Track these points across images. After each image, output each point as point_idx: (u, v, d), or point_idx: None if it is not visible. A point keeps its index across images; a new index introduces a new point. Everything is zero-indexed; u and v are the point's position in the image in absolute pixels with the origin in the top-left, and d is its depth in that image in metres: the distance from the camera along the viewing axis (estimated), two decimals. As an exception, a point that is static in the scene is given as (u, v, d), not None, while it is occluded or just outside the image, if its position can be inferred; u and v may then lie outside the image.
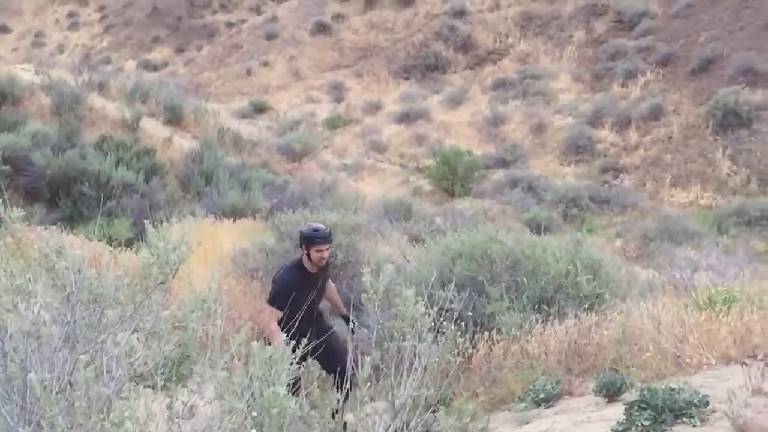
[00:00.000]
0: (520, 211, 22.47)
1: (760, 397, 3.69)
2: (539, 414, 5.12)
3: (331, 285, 5.71)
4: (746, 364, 3.84)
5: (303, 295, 4.96)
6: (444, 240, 8.83)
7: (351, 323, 5.19)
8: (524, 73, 36.71)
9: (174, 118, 21.26)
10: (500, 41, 40.52)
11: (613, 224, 23.59)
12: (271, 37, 44.40)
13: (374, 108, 36.54)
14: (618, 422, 3.97)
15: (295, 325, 4.50)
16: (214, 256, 10.17)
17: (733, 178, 26.01)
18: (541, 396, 5.43)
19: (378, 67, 40.61)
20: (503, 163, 29.70)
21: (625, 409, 3.99)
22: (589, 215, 24.11)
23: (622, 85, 33.38)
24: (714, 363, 5.07)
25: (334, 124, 34.94)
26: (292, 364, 3.87)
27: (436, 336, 6.59)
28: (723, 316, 5.97)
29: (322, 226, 5.36)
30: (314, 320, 5.20)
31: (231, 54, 44.83)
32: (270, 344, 4.69)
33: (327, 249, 5.18)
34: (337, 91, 39.03)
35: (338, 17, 44.15)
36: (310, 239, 5.14)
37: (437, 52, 40.19)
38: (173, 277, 3.03)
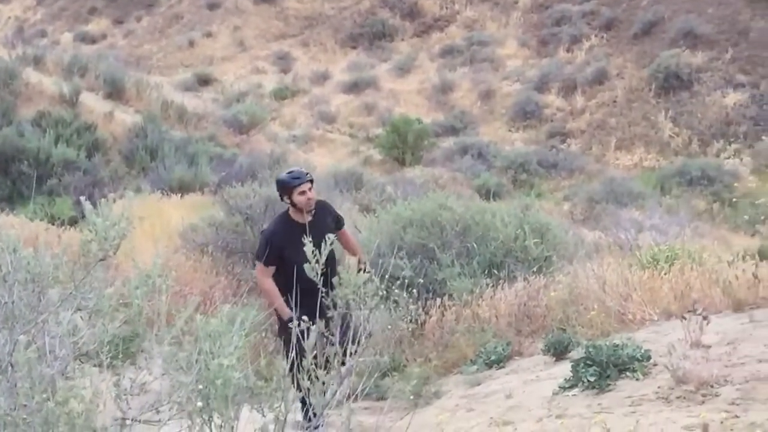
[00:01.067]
0: (470, 177, 22.67)
1: (698, 349, 3.83)
2: (490, 375, 5.23)
3: (348, 234, 5.04)
4: (685, 319, 3.98)
5: (296, 252, 3.99)
6: (395, 208, 8.86)
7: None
8: (471, 39, 36.73)
9: (114, 92, 20.65)
10: (446, 8, 40.36)
11: (561, 188, 24.01)
12: (213, 6, 43.24)
13: (322, 78, 36.12)
14: (565, 379, 4.08)
15: (296, 294, 4.00)
16: (161, 232, 10.00)
17: (675, 140, 26.68)
18: (492, 358, 5.54)
19: (324, 37, 40.06)
20: (453, 131, 29.83)
21: (572, 367, 4.10)
22: (538, 180, 24.48)
23: (568, 50, 33.73)
24: (656, 319, 5.24)
25: (281, 95, 34.44)
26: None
27: (388, 304, 6.65)
28: (665, 274, 6.17)
29: (296, 168, 4.79)
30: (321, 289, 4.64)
31: (172, 25, 43.53)
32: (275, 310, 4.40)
33: (310, 189, 4.54)
34: (284, 62, 38.40)
35: (282, -15, 43.23)
36: (287, 184, 4.55)
37: (384, 20, 39.82)
38: (115, 254, 2.96)
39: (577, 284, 6.33)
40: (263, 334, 6.95)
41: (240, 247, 9.73)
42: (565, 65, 32.66)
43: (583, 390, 3.94)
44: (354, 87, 34.21)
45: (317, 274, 4.11)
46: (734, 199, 19.09)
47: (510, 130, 30.44)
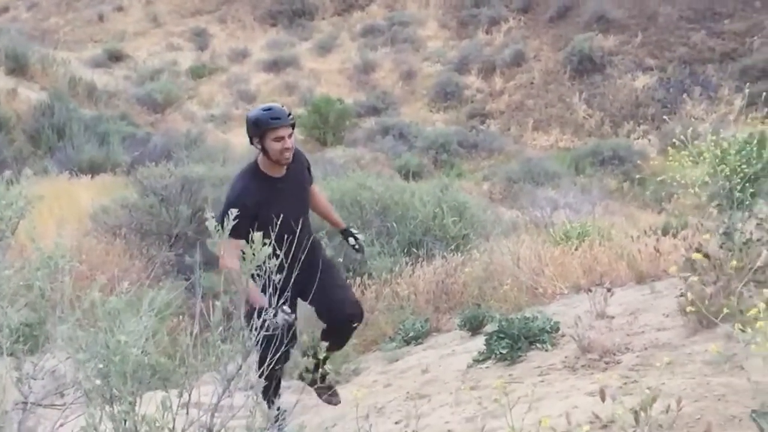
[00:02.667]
0: (391, 158, 22.78)
1: (603, 320, 4.01)
2: (409, 351, 5.31)
3: (316, 192, 4.17)
4: (591, 291, 4.15)
5: (270, 213, 3.39)
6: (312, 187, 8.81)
7: (353, 239, 4.00)
8: (392, 19, 36.72)
9: (18, 67, 19.58)
10: (367, -13, 40.16)
11: (480, 168, 24.45)
12: (124, -21, 41.51)
13: (241, 56, 35.34)
14: (479, 352, 4.19)
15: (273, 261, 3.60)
16: (70, 214, 9.60)
17: (589, 121, 27.58)
18: (411, 334, 5.63)
19: (243, 13, 39.13)
20: (374, 111, 29.84)
21: (485, 340, 4.21)
22: (459, 160, 24.84)
23: (487, 32, 34.21)
24: (566, 292, 5.44)
25: (198, 72, 33.50)
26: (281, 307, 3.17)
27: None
28: (575, 250, 6.41)
29: (275, 104, 3.73)
30: (302, 251, 3.59)
31: (80, -3, 41.55)
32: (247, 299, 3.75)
33: (290, 136, 3.60)
34: (201, 38, 37.30)
35: (198, -41, 41.85)
36: (260, 123, 3.56)
37: (304, -2, 39.28)
38: (12, 234, 2.82)
39: (492, 261, 6.50)
40: (180, 317, 6.83)
41: (155, 228, 9.48)
42: (485, 47, 33.14)
43: (495, 362, 4.06)
44: (274, 66, 33.65)
45: (301, 245, 3.46)
46: (642, 178, 19.94)
47: (431, 111, 30.72)
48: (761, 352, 1.77)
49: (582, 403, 2.96)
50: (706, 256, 3.70)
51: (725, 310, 2.29)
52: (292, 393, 5.08)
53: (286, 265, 3.26)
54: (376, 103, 30.36)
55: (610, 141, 24.80)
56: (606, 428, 2.53)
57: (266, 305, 3.13)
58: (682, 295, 3.58)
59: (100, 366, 1.94)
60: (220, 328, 2.14)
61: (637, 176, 20.20)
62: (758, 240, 3.82)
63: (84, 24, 38.99)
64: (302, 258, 3.41)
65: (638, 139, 25.66)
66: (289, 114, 3.62)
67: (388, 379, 4.60)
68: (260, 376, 3.40)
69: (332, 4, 39.41)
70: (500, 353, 4.05)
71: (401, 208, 8.11)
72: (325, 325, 3.90)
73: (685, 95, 26.56)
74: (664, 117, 24.61)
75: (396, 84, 32.32)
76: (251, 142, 3.66)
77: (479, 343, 4.39)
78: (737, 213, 4.13)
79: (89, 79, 21.56)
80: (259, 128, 3.55)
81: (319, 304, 3.81)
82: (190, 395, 2.05)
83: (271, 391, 3.47)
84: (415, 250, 7.38)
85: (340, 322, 3.84)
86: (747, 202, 4.49)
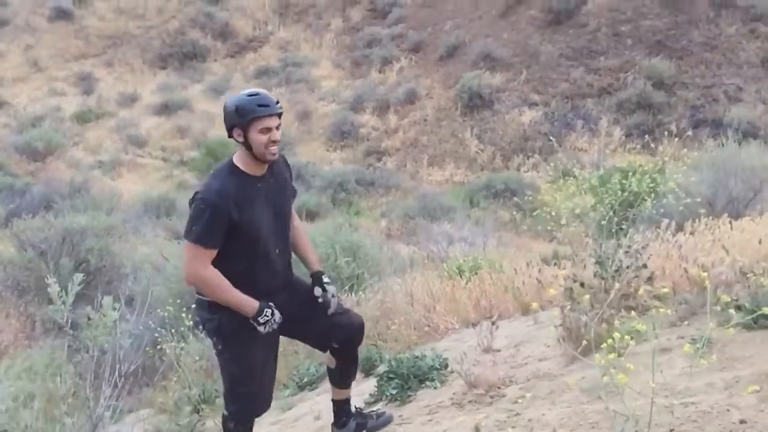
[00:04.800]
0: (290, 198, 22.57)
1: (489, 354, 4.07)
2: (302, 398, 5.19)
3: (295, 215, 3.47)
4: (475, 326, 4.20)
5: (250, 218, 3.06)
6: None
7: (321, 289, 3.34)
8: (286, 60, 36.89)
9: None
10: (259, 29, 40.24)
11: (378, 205, 24.67)
12: (1, 24, 39.66)
13: (130, 100, 34.38)
14: (370, 394, 4.15)
15: (254, 280, 3.09)
16: (-63, 274, 8.91)
17: (481, 155, 28.50)
18: (305, 380, 5.52)
19: (131, 56, 38.18)
20: (270, 152, 29.61)
21: (376, 381, 4.17)
22: (357, 198, 24.99)
23: (380, 71, 34.94)
24: (457, 327, 5.50)
25: (84, 118, 32.24)
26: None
27: (199, 333, 6.38)
28: (466, 283, 6.52)
29: (261, 90, 3.17)
30: (285, 271, 3.31)
31: (-47, 42, 39.29)
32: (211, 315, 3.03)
33: (278, 127, 3.12)
34: (86, 83, 36.02)
35: (80, 2, 40.64)
36: (246, 110, 3.06)
37: (194, 40, 38.83)
38: None
39: (386, 300, 6.49)
40: (59, 379, 6.41)
41: (34, 284, 8.94)
42: (378, 86, 33.79)
43: (386, 404, 4.02)
44: (165, 109, 32.92)
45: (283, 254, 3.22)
46: (532, 209, 20.72)
47: (328, 150, 30.87)
48: (613, 381, 1.83)
49: (466, 442, 2.96)
50: (581, 285, 3.85)
51: (588, 340, 2.37)
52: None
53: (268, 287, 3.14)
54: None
55: (502, 174, 25.67)
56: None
57: (258, 307, 3.05)
58: (560, 325, 3.68)
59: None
60: (69, 399, 1.99)
61: (528, 208, 20.94)
62: (628, 267, 4.01)
63: (-43, 70, 36.86)
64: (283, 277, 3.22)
65: (528, 171, 26.70)
66: (277, 101, 3.14)
67: (280, 429, 4.47)
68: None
69: (224, 47, 39.18)
70: (391, 394, 4.02)
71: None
72: (332, 354, 3.47)
73: (568, 128, 27.99)
74: (555, 150, 25.79)
75: (292, 124, 32.33)
76: (230, 134, 3.13)
77: (371, 385, 4.35)
78: (609, 241, 4.32)
79: (-38, 127, 20.30)
80: (243, 117, 3.05)
81: (326, 331, 3.37)
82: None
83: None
84: (309, 292, 7.29)
85: (356, 340, 3.46)
86: (622, 230, 4.72)
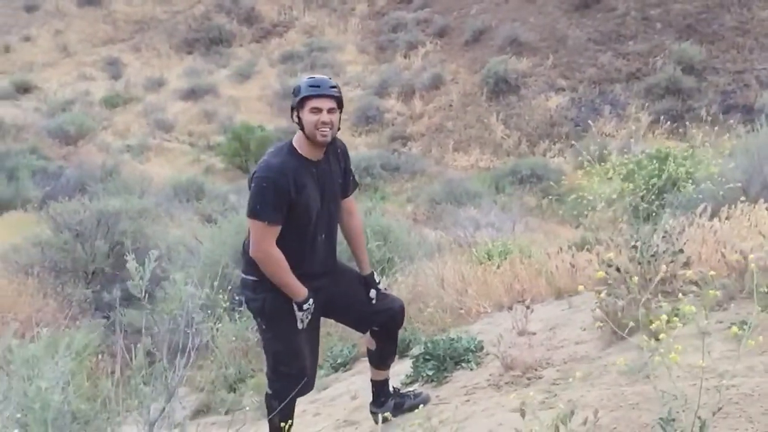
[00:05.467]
0: (315, 183, 22.68)
1: (524, 336, 4.12)
2: (337, 378, 5.28)
3: (354, 208, 3.55)
4: (511, 309, 4.25)
5: (305, 201, 3.13)
6: (237, 218, 8.72)
7: (375, 291, 3.44)
8: (311, 45, 36.91)
9: None
10: (285, 14, 40.28)
11: (404, 190, 24.72)
12: (31, 9, 40.14)
13: (157, 84, 34.68)
14: (406, 375, 4.22)
15: (301, 262, 3.16)
16: (-23, 254, 9.14)
17: (507, 141, 28.36)
18: (339, 361, 5.61)
19: (158, 41, 38.48)
20: (296, 137, 29.76)
21: (412, 363, 4.24)
22: (382, 183, 25.04)
23: (405, 56, 34.83)
24: (490, 311, 5.54)
25: (112, 102, 32.63)
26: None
27: (233, 315, 6.51)
28: (497, 268, 6.55)
29: (323, 76, 3.27)
30: (329, 257, 3.37)
31: (-16, 28, 39.88)
32: (281, 295, 3.06)
33: (331, 111, 3.14)
34: (114, 68, 36.42)
35: (109, -13, 40.99)
36: (299, 90, 3.16)
37: (220, 25, 39.01)
38: None
39: (417, 283, 6.55)
40: (99, 356, 6.58)
41: (70, 265, 9.15)
42: (403, 71, 33.70)
43: (422, 384, 4.09)
44: (192, 94, 33.17)
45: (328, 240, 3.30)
46: (559, 195, 20.61)
47: (353, 135, 30.90)
48: (664, 362, 1.87)
49: (506, 420, 3.02)
50: (617, 270, 3.87)
51: (632, 324, 2.40)
52: (218, 428, 4.97)
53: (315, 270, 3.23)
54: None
55: (528, 160, 25.54)
56: (529, 444, 2.58)
57: (306, 296, 3.16)
58: (596, 309, 3.71)
59: (18, 415, 1.86)
60: (143, 370, 2.07)
61: (555, 194, 20.88)
62: (664, 252, 4.02)
63: (-12, 55, 37.44)
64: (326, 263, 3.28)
65: (554, 157, 26.53)
66: (334, 86, 3.17)
67: (317, 408, 4.56)
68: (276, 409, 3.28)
69: (250, 32, 39.29)
70: (427, 375, 4.09)
71: (325, 234, 8.09)
72: (372, 336, 3.55)
73: (595, 114, 27.72)
74: (581, 136, 25.59)
75: (317, 109, 32.36)
76: (291, 118, 3.23)
77: (406, 366, 4.42)
78: (645, 226, 4.32)
79: (-5, 112, 20.68)
80: (296, 97, 3.15)
81: (367, 314, 3.46)
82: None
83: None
84: (340, 275, 7.37)
85: (397, 323, 3.54)
86: (654, 215, 4.72)
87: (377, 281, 3.50)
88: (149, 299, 2.88)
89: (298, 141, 3.21)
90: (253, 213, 3.09)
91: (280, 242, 3.12)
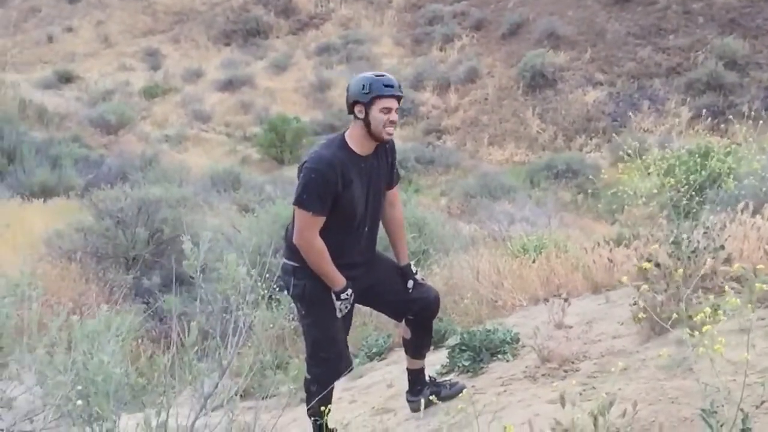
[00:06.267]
0: (351, 175, 22.81)
1: (561, 329, 4.12)
2: (372, 367, 5.35)
3: (397, 200, 3.62)
4: (548, 302, 4.26)
5: (351, 195, 3.19)
6: (274, 208, 8.83)
7: (412, 281, 3.51)
8: (347, 38, 37.01)
9: (-35, 90, 19.14)
10: (322, 6, 40.43)
11: (438, 183, 24.71)
12: (73, 0, 40.95)
13: (195, 75, 35.14)
14: (442, 365, 4.26)
15: (342, 252, 3.23)
16: (24, 239, 9.40)
17: (542, 135, 28.14)
18: (374, 350, 5.67)
19: (196, 33, 38.97)
20: (331, 129, 29.85)
21: (448, 353, 4.28)
22: (416, 176, 25.06)
23: (441, 49, 34.73)
24: (525, 304, 5.55)
25: (151, 93, 33.17)
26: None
27: (270, 302, 6.62)
28: (533, 262, 6.54)
29: (386, 73, 3.31)
30: (370, 249, 3.43)
31: (28, 19, 40.80)
32: (319, 282, 3.16)
33: (396, 110, 3.23)
34: (153, 58, 37.00)
35: (150, -21, 41.58)
36: (373, 88, 3.17)
37: (258, 17, 39.32)
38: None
39: (452, 275, 6.59)
40: (140, 341, 6.75)
41: (111, 252, 9.36)
42: (439, 64, 33.61)
43: (458, 374, 4.12)
44: (229, 85, 33.55)
45: (371, 233, 3.36)
46: (596, 190, 20.41)
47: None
48: (708, 354, 1.88)
49: (543, 411, 3.04)
50: (657, 265, 3.85)
51: (675, 316, 2.41)
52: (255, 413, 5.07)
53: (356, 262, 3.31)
54: (332, 121, 30.44)
55: (564, 155, 25.32)
56: (567, 434, 2.61)
57: (345, 285, 3.23)
58: (635, 304, 3.70)
59: (79, 387, 1.95)
60: (196, 347, 2.16)
61: (591, 189, 20.66)
62: (705, 248, 3.99)
63: (33, 45, 38.31)
64: (366, 254, 3.36)
65: (590, 152, 26.26)
66: (399, 85, 3.27)
67: (353, 396, 4.62)
68: (315, 396, 3.35)
69: (286, 23, 39.54)
70: (463, 365, 4.12)
71: (361, 225, 8.16)
72: (407, 325, 3.62)
73: (634, 109, 27.32)
74: (619, 131, 25.27)
75: (352, 102, 32.46)
76: (350, 111, 3.25)
77: (442, 356, 4.46)
78: (685, 222, 4.29)
79: (39, 101, 21.18)
80: (369, 94, 3.17)
81: (402, 302, 3.51)
82: (168, 414, 2.07)
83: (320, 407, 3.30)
84: (375, 266, 7.43)
85: (432, 312, 3.61)
86: (694, 211, 4.68)
87: (414, 272, 3.57)
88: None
89: (353, 136, 3.25)
90: (300, 202, 3.15)
91: (324, 232, 3.18)
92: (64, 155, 16.36)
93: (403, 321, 3.64)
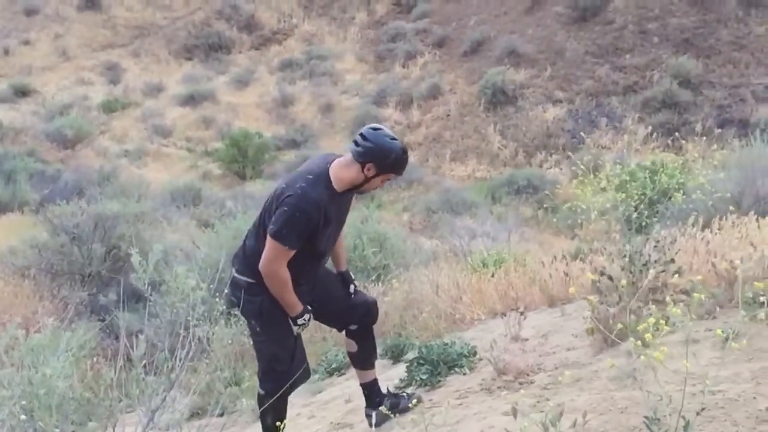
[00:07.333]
0: (312, 191, 22.74)
1: (518, 342, 4.17)
2: (331, 382, 5.33)
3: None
4: (505, 316, 4.31)
5: (325, 231, 3.29)
6: (234, 223, 8.77)
7: (353, 285, 3.70)
8: (310, 53, 37.06)
9: None
10: (284, 21, 40.46)
11: (400, 199, 24.78)
12: (30, 12, 40.24)
13: (156, 90, 34.77)
14: (400, 379, 4.27)
15: (302, 277, 3.34)
16: (-26, 256, 9.17)
17: (503, 152, 28.48)
18: (334, 366, 5.66)
19: (157, 47, 38.60)
20: (294, 144, 29.87)
21: (406, 367, 4.29)
22: (378, 191, 25.02)
23: (403, 66, 34.99)
24: (484, 318, 5.61)
25: (111, 107, 32.68)
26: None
27: (229, 318, 6.55)
28: (492, 276, 6.61)
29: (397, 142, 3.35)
30: (319, 267, 3.57)
31: (-16, 31, 39.95)
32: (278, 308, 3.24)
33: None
34: (113, 72, 36.50)
35: (109, -8, 41.10)
36: (396, 165, 3.31)
37: (220, 32, 39.15)
38: None
39: (412, 290, 6.61)
40: (95, 359, 6.61)
41: (66, 268, 9.18)
42: (401, 80, 33.85)
43: (416, 388, 4.14)
44: (190, 100, 33.27)
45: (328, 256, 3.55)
46: (554, 205, 20.71)
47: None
48: (650, 362, 1.93)
49: (497, 423, 3.07)
50: (610, 278, 3.93)
51: (621, 328, 2.46)
52: (212, 431, 5.00)
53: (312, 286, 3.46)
54: (295, 137, 30.40)
55: (524, 171, 25.64)
56: (519, 445, 2.64)
57: (302, 311, 3.31)
58: (590, 316, 3.77)
59: (23, 402, 1.91)
60: (144, 361, 2.13)
61: (549, 204, 20.95)
62: (656, 261, 4.08)
63: (-12, 58, 37.50)
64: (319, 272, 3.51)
65: (551, 168, 26.64)
66: None
67: (311, 411, 4.60)
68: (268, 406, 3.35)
69: (249, 39, 39.44)
70: (421, 379, 4.14)
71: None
72: (351, 338, 3.72)
73: (592, 126, 27.86)
74: (578, 148, 25.71)
75: (315, 117, 32.50)
76: (362, 167, 3.26)
77: (401, 370, 4.47)
78: (637, 236, 4.39)
79: (-6, 114, 20.72)
80: (389, 167, 3.29)
81: (345, 310, 3.63)
82: (114, 429, 2.03)
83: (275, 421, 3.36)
84: (336, 281, 7.42)
85: (374, 317, 3.71)
86: (646, 225, 4.79)
87: (353, 278, 3.73)
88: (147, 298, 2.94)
89: (339, 176, 3.28)
90: (278, 236, 3.17)
91: (290, 260, 3.23)
92: (18, 170, 16.01)
93: (345, 335, 3.73)
